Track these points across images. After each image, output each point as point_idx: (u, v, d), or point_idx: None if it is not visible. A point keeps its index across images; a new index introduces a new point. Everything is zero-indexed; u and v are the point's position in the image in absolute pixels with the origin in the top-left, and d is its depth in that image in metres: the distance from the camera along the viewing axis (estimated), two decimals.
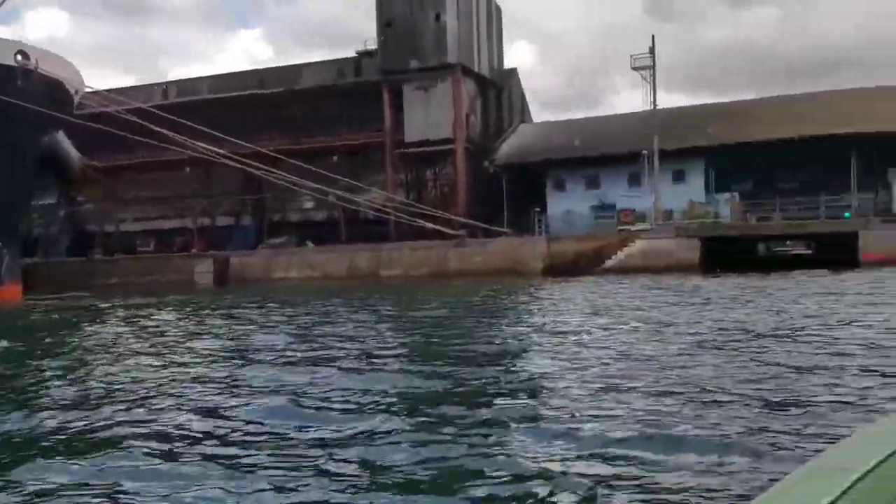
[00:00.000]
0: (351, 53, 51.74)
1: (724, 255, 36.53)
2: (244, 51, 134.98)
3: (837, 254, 36.59)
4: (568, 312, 17.07)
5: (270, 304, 23.26)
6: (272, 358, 11.15)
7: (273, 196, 49.90)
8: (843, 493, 0.98)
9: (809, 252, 55.00)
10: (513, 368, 9.52)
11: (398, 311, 20.38)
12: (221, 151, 35.67)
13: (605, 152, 43.66)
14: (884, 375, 7.73)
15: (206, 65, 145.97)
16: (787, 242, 60.84)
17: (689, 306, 16.96)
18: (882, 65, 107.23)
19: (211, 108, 48.57)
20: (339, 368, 9.71)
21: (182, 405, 7.77)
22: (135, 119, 31.60)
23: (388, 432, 6.09)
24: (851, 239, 32.73)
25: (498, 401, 7.34)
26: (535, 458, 5.29)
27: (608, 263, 34.61)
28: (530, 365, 9.75)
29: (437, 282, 33.21)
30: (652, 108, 41.46)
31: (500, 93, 52.34)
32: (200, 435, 6.43)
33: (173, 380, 9.41)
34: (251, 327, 16.45)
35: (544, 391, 7.81)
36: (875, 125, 38.38)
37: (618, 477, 4.79)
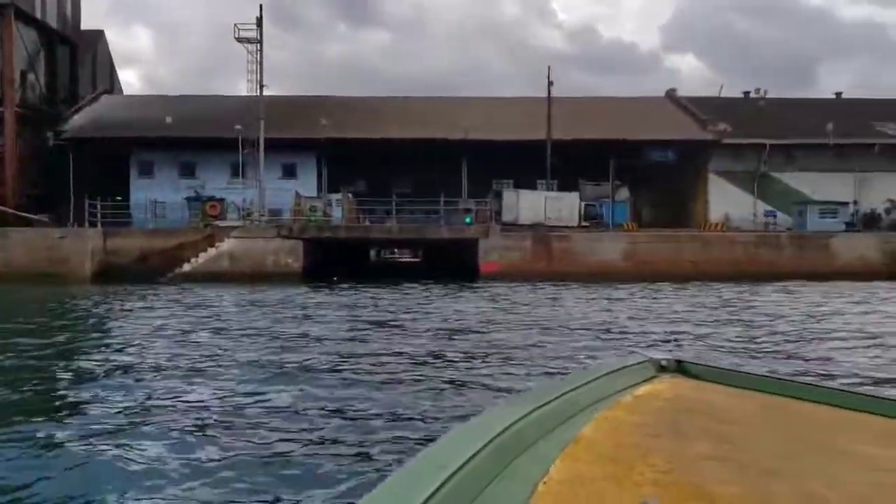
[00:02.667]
0: None
1: (334, 261, 32.30)
2: None
3: (451, 262, 34.43)
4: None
5: None
6: None
7: None
8: (436, 490, 1.01)
9: (418, 260, 54.04)
10: None
11: None
12: None
13: (204, 135, 37.02)
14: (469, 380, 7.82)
15: None
16: (395, 250, 59.62)
17: None
18: (477, 85, 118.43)
19: None
20: None
21: None
22: None
23: None
24: (472, 246, 30.07)
25: None
26: None
27: (186, 268, 27.72)
28: None
29: None
30: (258, 91, 35.45)
31: (75, 53, 42.42)
32: None
33: None
34: None
35: None
36: (484, 133, 37.36)
37: None
